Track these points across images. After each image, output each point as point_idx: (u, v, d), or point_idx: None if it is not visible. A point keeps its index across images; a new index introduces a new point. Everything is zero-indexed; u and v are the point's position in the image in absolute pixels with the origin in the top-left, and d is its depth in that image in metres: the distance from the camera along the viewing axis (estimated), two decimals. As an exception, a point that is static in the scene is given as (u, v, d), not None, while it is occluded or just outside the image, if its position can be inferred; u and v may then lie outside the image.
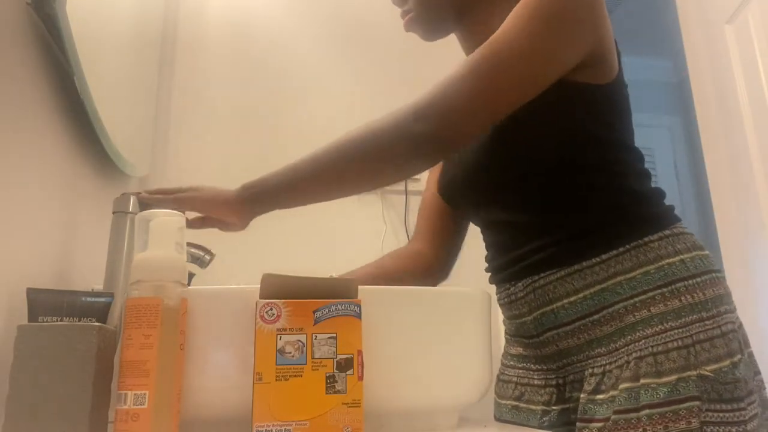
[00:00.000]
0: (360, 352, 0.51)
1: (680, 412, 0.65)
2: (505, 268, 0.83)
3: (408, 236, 1.59)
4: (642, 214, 0.75)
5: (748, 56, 1.57)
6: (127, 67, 1.17)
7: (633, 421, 0.67)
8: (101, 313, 0.61)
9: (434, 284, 0.98)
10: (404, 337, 0.57)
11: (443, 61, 1.83)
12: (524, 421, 0.81)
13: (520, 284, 0.80)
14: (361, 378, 0.51)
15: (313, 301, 0.52)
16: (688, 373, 0.67)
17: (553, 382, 0.79)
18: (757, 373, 0.73)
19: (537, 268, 0.78)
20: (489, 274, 0.88)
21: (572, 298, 0.75)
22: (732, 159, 1.63)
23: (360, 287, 0.54)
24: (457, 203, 0.91)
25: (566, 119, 0.75)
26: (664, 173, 3.12)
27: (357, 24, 1.77)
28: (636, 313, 0.72)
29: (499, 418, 0.87)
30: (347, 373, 0.50)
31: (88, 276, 0.94)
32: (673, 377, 0.67)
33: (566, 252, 0.76)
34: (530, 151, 0.76)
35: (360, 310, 0.52)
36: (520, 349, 0.85)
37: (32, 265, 0.75)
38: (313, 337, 0.51)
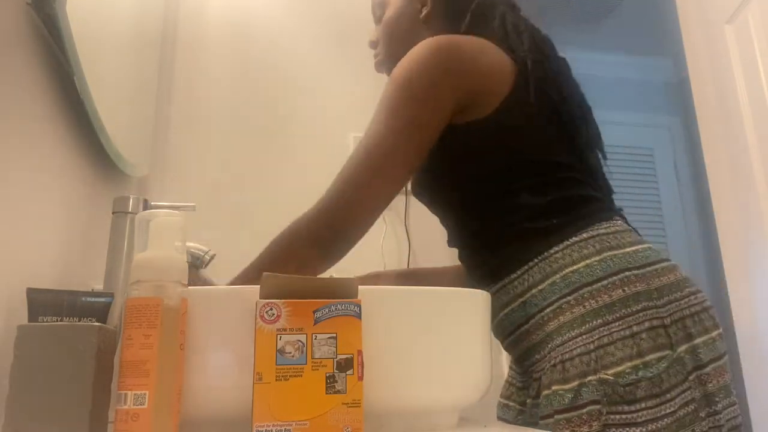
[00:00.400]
0: (360, 352, 0.51)
1: (583, 416, 0.67)
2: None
3: (408, 236, 1.59)
4: (541, 227, 0.78)
5: (748, 56, 1.57)
6: (127, 67, 1.17)
7: (551, 425, 0.70)
8: (101, 313, 0.61)
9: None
10: (404, 337, 0.57)
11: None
12: (511, 418, 0.86)
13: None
14: (361, 378, 0.51)
15: (313, 301, 0.52)
16: (589, 378, 0.68)
17: (522, 385, 0.84)
18: (701, 367, 0.71)
19: (481, 281, 0.83)
20: None
21: (506, 311, 0.80)
22: (732, 159, 1.63)
23: (360, 287, 0.54)
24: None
25: (447, 163, 0.82)
26: (664, 173, 3.12)
27: (357, 24, 1.77)
28: (551, 323, 0.74)
29: (498, 416, 0.90)
30: (347, 373, 0.50)
31: (88, 276, 0.94)
32: (576, 383, 0.69)
33: (491, 271, 0.81)
34: (436, 194, 0.87)
35: (360, 310, 0.52)
36: None
37: (32, 265, 0.75)
38: (313, 337, 0.51)
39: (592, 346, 0.70)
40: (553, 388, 0.71)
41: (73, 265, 0.90)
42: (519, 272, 0.78)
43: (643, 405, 0.67)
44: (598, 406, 0.67)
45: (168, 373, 0.48)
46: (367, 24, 1.79)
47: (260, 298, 0.51)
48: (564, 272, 0.74)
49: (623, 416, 0.67)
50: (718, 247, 1.68)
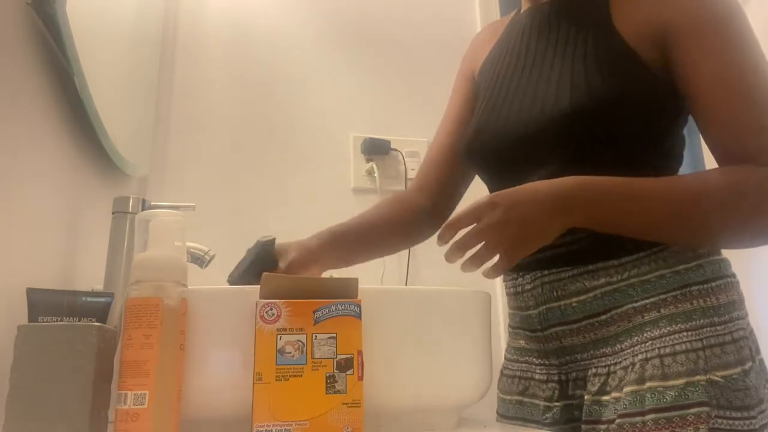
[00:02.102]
0: (360, 352, 0.51)
1: (688, 418, 0.64)
2: None
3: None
4: None
5: (748, 56, 1.57)
6: (127, 67, 1.17)
7: (638, 424, 0.66)
8: (101, 313, 0.61)
9: (424, 236, 0.98)
10: (404, 337, 0.57)
11: (443, 61, 1.83)
12: (528, 416, 0.81)
13: (528, 276, 0.79)
14: (361, 378, 0.51)
15: (313, 301, 0.52)
16: (698, 377, 0.65)
17: (555, 378, 0.79)
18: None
19: (549, 263, 0.76)
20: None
21: (582, 297, 0.74)
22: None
23: (360, 287, 0.54)
24: (486, 161, 0.85)
25: (653, 112, 0.73)
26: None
27: (357, 24, 1.77)
28: (645, 315, 0.71)
29: (503, 415, 0.86)
30: (347, 373, 0.50)
31: (88, 276, 0.94)
32: (681, 381, 0.66)
33: (583, 252, 0.74)
34: (604, 131, 0.73)
35: (360, 310, 0.52)
36: (522, 342, 0.85)
37: (32, 265, 0.75)
38: (313, 337, 0.51)
39: (699, 345, 0.67)
40: (648, 384, 0.67)
41: (73, 265, 0.90)
42: (624, 260, 0.73)
43: (752, 412, 0.65)
44: (707, 409, 0.64)
45: (168, 373, 0.48)
46: (367, 24, 1.79)
47: (260, 298, 0.51)
48: (677, 268, 0.72)
49: (731, 422, 0.64)
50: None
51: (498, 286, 1.61)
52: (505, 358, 0.90)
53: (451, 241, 0.69)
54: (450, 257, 0.69)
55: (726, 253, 0.77)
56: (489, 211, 0.67)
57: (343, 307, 0.52)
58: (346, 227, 0.89)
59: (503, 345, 1.46)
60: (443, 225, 0.69)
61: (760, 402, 0.67)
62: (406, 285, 1.51)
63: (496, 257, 0.68)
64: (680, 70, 0.71)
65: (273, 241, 0.79)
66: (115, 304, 0.64)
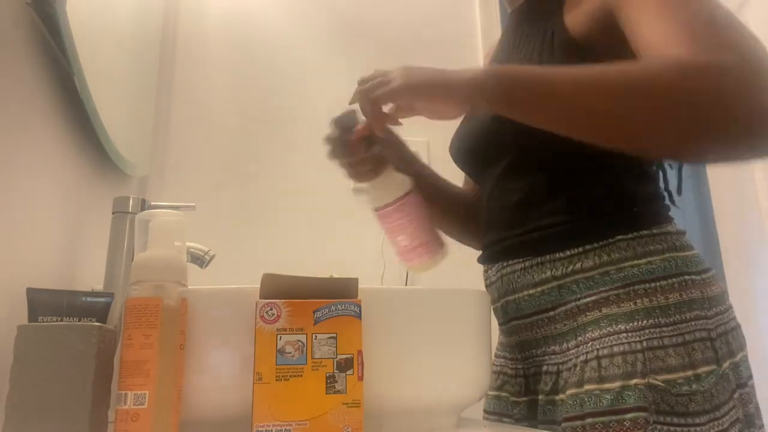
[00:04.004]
0: (360, 352, 0.51)
1: (625, 423, 0.61)
2: (485, 249, 0.83)
3: (408, 236, 1.59)
4: (621, 213, 0.71)
5: (748, 56, 1.57)
6: (126, 67, 1.17)
7: (579, 429, 0.64)
8: (101, 313, 0.61)
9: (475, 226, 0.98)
10: (404, 337, 0.57)
11: (443, 61, 1.83)
12: (504, 411, 0.80)
13: (494, 268, 0.81)
14: (361, 378, 0.51)
15: (313, 301, 0.52)
16: (635, 381, 0.63)
17: (522, 373, 0.78)
18: (742, 385, 0.68)
19: (506, 254, 0.77)
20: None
21: (531, 291, 0.74)
22: (732, 159, 1.63)
23: (360, 287, 0.54)
24: (461, 161, 0.89)
25: None
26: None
27: (358, 24, 1.77)
28: (588, 313, 0.69)
29: (485, 410, 0.86)
30: (347, 373, 0.50)
31: (88, 276, 0.94)
32: (617, 384, 0.63)
33: (532, 243, 0.74)
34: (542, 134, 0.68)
35: (360, 310, 0.52)
36: (501, 337, 0.85)
37: (33, 265, 0.75)
38: (313, 337, 0.51)
39: (639, 346, 0.64)
40: (586, 387, 0.65)
41: (73, 265, 0.90)
42: (569, 252, 0.71)
43: (697, 420, 0.62)
44: (644, 414, 0.61)
45: (168, 373, 0.48)
46: (368, 24, 1.79)
47: (260, 298, 0.51)
48: (622, 264, 0.69)
49: (672, 428, 0.61)
50: (719, 247, 1.68)
51: (498, 286, 1.61)
52: (494, 354, 0.90)
53: None
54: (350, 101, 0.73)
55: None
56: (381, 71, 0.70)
57: (343, 307, 0.52)
58: (446, 185, 0.95)
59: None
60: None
61: (714, 409, 0.63)
62: (406, 285, 1.52)
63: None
64: (629, 36, 0.64)
65: (353, 112, 0.77)
66: (115, 304, 0.64)
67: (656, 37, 0.59)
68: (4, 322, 0.62)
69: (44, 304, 0.58)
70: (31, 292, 0.58)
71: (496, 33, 1.83)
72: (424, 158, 1.67)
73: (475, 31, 1.87)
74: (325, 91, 1.68)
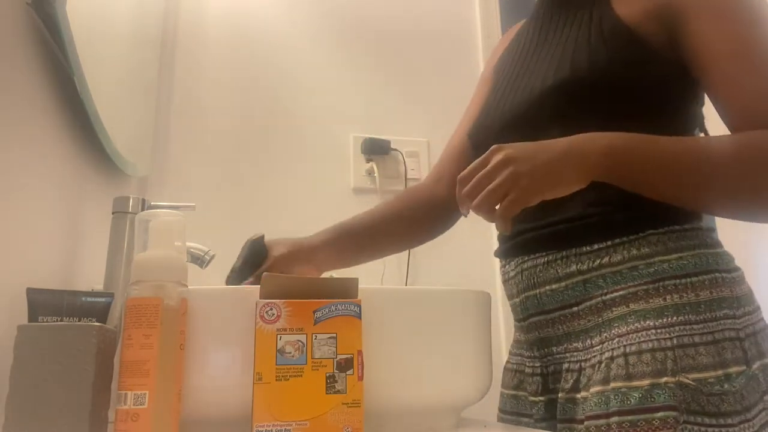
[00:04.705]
0: (360, 352, 0.51)
1: (653, 422, 0.60)
2: (502, 243, 0.82)
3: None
4: (653, 207, 0.69)
5: (748, 56, 1.57)
6: (127, 67, 1.17)
7: (603, 427, 0.63)
8: (101, 313, 0.61)
9: (442, 227, 0.97)
10: (404, 337, 0.57)
11: (444, 61, 1.83)
12: (523, 410, 0.79)
13: (513, 263, 0.79)
14: (361, 378, 0.51)
15: (313, 301, 0.52)
16: (665, 379, 0.61)
17: (539, 371, 0.77)
18: None
19: (530, 248, 0.75)
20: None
21: (554, 286, 0.72)
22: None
23: (360, 287, 0.54)
24: (488, 143, 0.86)
25: (649, 87, 0.71)
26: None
27: (358, 24, 1.77)
28: (614, 309, 0.68)
29: (501, 409, 0.85)
30: (347, 373, 0.50)
31: (88, 276, 0.94)
32: (646, 382, 0.62)
33: (557, 236, 0.72)
34: (593, 113, 0.70)
35: (360, 310, 0.52)
36: (517, 334, 0.84)
37: (33, 265, 0.75)
38: (313, 337, 0.51)
39: (669, 344, 0.63)
40: (612, 384, 0.63)
41: (73, 265, 0.90)
42: (597, 246, 0.69)
43: (729, 420, 0.60)
44: (674, 413, 0.60)
45: (168, 373, 0.48)
46: (368, 24, 1.79)
47: (260, 298, 0.51)
48: (652, 260, 0.67)
49: (702, 429, 0.60)
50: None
51: (498, 287, 1.61)
52: (509, 352, 0.89)
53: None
54: (462, 208, 0.67)
55: (732, 245, 0.75)
56: (495, 154, 0.65)
57: (343, 307, 0.52)
58: (352, 224, 0.89)
59: (503, 345, 1.46)
60: (458, 178, 0.67)
61: (746, 410, 0.62)
62: (406, 285, 1.51)
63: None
64: (689, 43, 0.68)
65: (262, 237, 0.80)
66: (115, 304, 0.64)
67: (723, 61, 0.66)
68: (4, 322, 0.63)
69: (44, 304, 0.58)
70: (31, 292, 0.58)
71: (496, 32, 1.83)
72: (424, 158, 1.67)
73: (475, 31, 1.88)
74: (325, 91, 1.68)
